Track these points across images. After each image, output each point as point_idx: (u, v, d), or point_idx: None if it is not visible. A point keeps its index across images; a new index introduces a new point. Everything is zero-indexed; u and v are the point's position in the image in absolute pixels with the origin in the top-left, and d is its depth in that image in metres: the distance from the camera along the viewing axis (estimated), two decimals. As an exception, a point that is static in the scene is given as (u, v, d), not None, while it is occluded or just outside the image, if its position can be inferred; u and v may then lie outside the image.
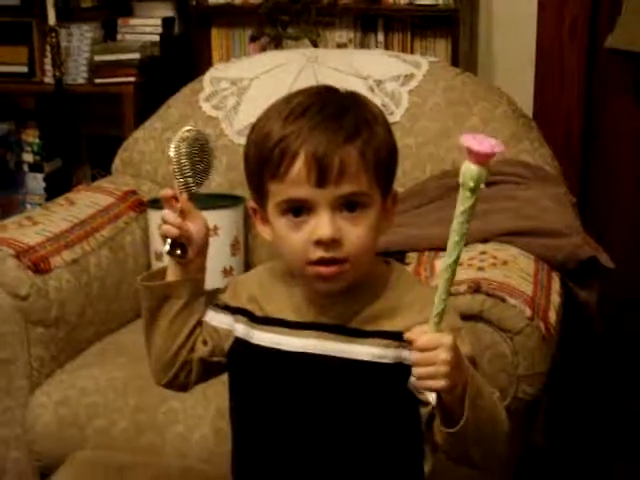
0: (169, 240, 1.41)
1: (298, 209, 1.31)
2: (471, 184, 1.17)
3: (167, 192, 1.42)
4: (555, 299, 1.89)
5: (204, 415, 1.93)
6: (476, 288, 1.78)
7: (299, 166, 1.29)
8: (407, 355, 1.33)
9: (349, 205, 1.31)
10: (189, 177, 1.42)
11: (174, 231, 1.40)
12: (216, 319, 1.47)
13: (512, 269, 1.91)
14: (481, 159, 1.15)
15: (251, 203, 1.41)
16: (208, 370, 1.49)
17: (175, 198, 1.41)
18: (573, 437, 2.71)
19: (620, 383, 2.97)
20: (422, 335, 1.22)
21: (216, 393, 1.76)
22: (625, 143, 3.02)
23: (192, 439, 1.93)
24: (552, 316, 1.83)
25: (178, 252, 1.41)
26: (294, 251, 1.32)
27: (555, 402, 2.15)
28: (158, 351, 1.47)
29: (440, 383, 1.21)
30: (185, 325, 1.45)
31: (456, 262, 1.20)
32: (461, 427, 1.25)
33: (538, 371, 1.79)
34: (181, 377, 1.48)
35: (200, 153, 1.43)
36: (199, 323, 1.47)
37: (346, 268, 1.32)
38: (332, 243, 1.29)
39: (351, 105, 1.35)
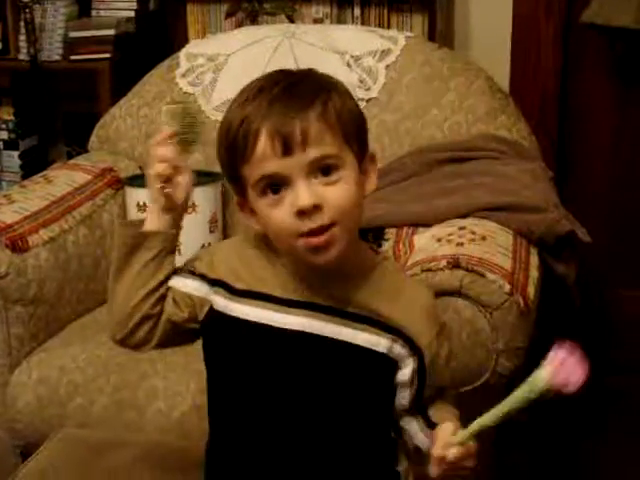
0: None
1: (275, 186, 1.31)
2: (536, 392, 1.24)
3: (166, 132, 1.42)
4: (534, 274, 1.90)
5: (184, 392, 1.93)
6: (455, 264, 1.79)
7: (263, 141, 1.30)
8: (398, 350, 1.38)
9: (323, 170, 1.31)
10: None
11: (168, 169, 1.39)
12: (191, 286, 1.45)
13: (491, 244, 1.91)
14: (559, 385, 1.22)
15: (236, 198, 1.42)
16: (179, 335, 1.47)
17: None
18: (553, 412, 2.73)
19: (599, 357, 2.99)
20: (452, 449, 1.29)
21: (196, 370, 1.76)
22: (601, 118, 3.03)
23: (172, 416, 1.93)
24: (531, 291, 1.84)
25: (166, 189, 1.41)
26: (281, 228, 1.32)
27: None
28: (121, 300, 1.44)
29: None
30: (152, 277, 1.44)
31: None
32: None
33: (517, 346, 1.80)
34: (139, 333, 1.45)
35: (190, 126, 1.45)
36: (166, 282, 1.45)
37: (336, 233, 1.31)
38: (314, 210, 1.29)
39: (305, 76, 1.37)
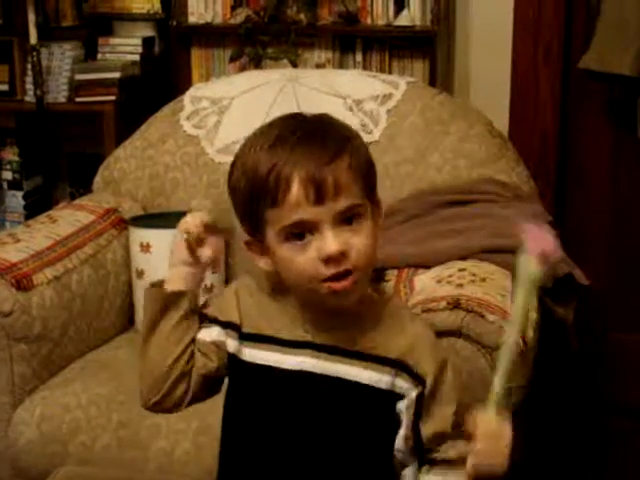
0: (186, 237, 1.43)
1: (301, 232, 1.34)
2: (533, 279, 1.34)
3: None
4: (532, 315, 1.92)
5: (186, 430, 1.94)
6: (455, 304, 1.81)
7: (296, 188, 1.32)
8: (401, 384, 1.41)
9: (347, 219, 1.35)
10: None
11: (198, 230, 1.43)
12: (211, 335, 1.47)
13: (490, 285, 1.93)
14: (542, 259, 1.32)
15: (244, 237, 1.44)
16: (210, 387, 1.49)
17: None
18: (549, 453, 2.73)
19: (598, 400, 3.00)
20: (485, 424, 1.32)
21: (198, 409, 1.78)
22: (599, 162, 3.06)
23: (174, 454, 1.94)
24: (529, 332, 1.85)
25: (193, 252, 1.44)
26: (304, 272, 1.35)
27: (531, 418, 2.18)
28: (153, 364, 1.45)
29: (497, 471, 1.33)
30: (184, 336, 1.45)
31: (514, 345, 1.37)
32: None
33: (515, 386, 1.81)
34: (176, 392, 1.45)
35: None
36: (194, 339, 1.47)
37: (357, 278, 1.35)
38: (341, 257, 1.33)
39: (328, 125, 1.40)
